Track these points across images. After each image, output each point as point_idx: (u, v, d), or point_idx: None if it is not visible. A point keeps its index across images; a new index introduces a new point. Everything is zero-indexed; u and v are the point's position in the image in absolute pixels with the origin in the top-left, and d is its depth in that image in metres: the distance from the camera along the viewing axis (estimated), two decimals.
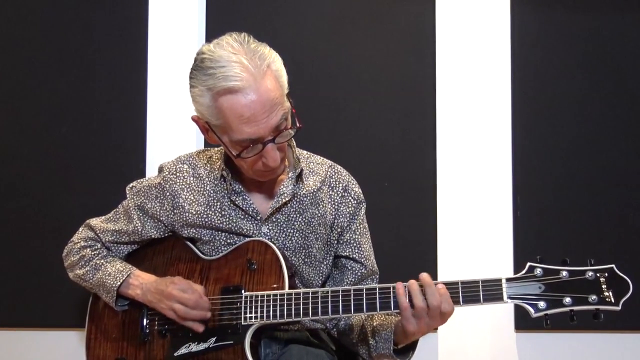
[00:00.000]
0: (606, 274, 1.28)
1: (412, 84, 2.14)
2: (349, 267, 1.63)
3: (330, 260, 1.64)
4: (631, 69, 2.14)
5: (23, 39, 2.17)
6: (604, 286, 1.27)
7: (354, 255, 1.63)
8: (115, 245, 1.65)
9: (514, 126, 2.15)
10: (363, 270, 1.63)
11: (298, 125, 1.47)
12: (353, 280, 1.62)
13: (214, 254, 1.57)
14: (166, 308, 1.48)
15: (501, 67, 2.17)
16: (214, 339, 1.46)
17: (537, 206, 2.12)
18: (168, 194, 1.60)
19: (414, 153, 2.12)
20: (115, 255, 1.66)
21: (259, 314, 1.43)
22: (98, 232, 1.65)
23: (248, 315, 1.44)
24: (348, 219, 1.63)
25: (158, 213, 1.60)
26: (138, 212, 1.62)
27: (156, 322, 1.53)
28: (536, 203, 2.12)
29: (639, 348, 2.10)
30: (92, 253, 1.63)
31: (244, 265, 1.50)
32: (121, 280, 1.56)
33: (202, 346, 1.46)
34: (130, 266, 1.60)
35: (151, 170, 2.13)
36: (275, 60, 1.43)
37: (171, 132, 2.17)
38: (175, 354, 1.48)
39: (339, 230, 1.63)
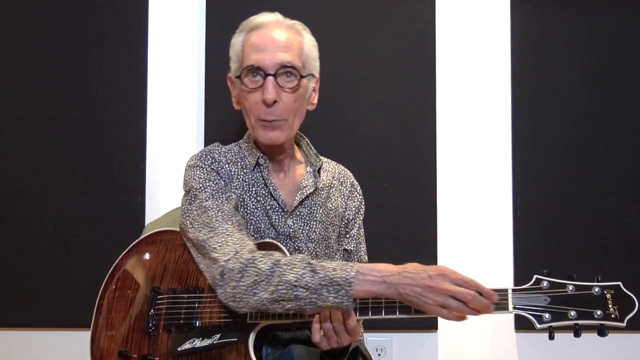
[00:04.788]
0: (613, 291, 1.29)
1: (412, 84, 2.14)
2: (346, 260, 1.71)
3: (341, 252, 1.70)
4: (631, 69, 2.14)
5: (22, 38, 2.16)
6: (609, 302, 1.28)
7: (356, 250, 1.72)
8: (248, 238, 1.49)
9: (514, 126, 2.15)
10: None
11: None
12: None
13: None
14: (432, 304, 1.29)
15: (501, 67, 2.17)
16: (218, 335, 1.46)
17: (537, 206, 2.12)
18: (221, 173, 1.59)
19: (414, 153, 2.12)
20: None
21: (265, 313, 1.43)
22: (242, 246, 1.43)
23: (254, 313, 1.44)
24: (354, 212, 1.73)
25: (224, 187, 1.57)
26: (222, 194, 1.55)
27: (163, 317, 1.53)
28: (536, 203, 2.12)
29: (639, 348, 2.11)
30: (288, 259, 1.38)
31: None
32: (354, 272, 1.32)
33: (206, 342, 1.47)
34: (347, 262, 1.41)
35: (151, 170, 2.13)
36: (306, 35, 1.62)
37: (171, 132, 2.17)
38: (179, 349, 1.49)
39: (344, 222, 1.71)
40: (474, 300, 1.26)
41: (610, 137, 2.13)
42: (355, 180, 1.77)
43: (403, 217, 2.10)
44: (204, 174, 1.58)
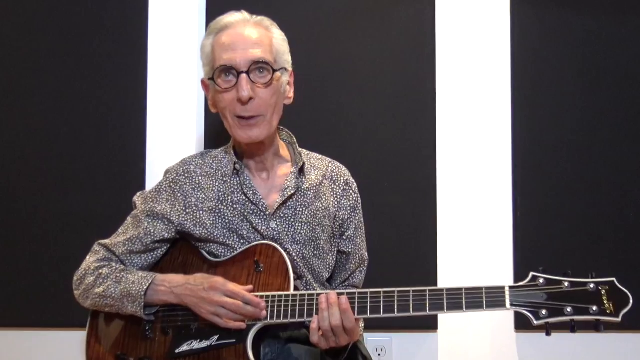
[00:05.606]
0: (607, 287, 1.31)
1: (412, 84, 2.14)
2: (344, 261, 1.72)
3: (335, 253, 1.69)
4: (631, 69, 2.14)
5: (23, 38, 2.16)
6: (604, 298, 1.30)
7: (354, 251, 1.71)
8: (129, 256, 1.60)
9: (514, 126, 2.15)
10: (354, 263, 1.72)
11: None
12: (347, 272, 1.71)
13: (227, 254, 1.58)
14: (206, 312, 1.47)
15: (501, 67, 2.17)
16: (216, 337, 1.46)
17: (537, 206, 2.12)
18: (179, 195, 1.61)
19: (414, 153, 2.12)
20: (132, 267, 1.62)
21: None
22: (110, 247, 1.61)
23: None
24: (349, 212, 1.69)
25: (169, 214, 1.60)
26: (147, 217, 1.62)
27: (160, 319, 1.54)
28: (536, 203, 2.12)
29: (639, 348, 2.10)
30: (109, 270, 1.58)
31: (250, 267, 1.51)
32: (147, 285, 1.51)
33: (204, 344, 1.47)
34: (151, 273, 1.57)
35: (151, 170, 2.13)
36: (274, 30, 1.62)
37: (171, 132, 2.17)
38: (177, 351, 1.49)
39: (339, 222, 1.68)
40: (239, 310, 1.44)
41: (611, 137, 2.13)
42: (350, 178, 1.73)
43: (403, 217, 2.10)
44: (153, 192, 1.65)
